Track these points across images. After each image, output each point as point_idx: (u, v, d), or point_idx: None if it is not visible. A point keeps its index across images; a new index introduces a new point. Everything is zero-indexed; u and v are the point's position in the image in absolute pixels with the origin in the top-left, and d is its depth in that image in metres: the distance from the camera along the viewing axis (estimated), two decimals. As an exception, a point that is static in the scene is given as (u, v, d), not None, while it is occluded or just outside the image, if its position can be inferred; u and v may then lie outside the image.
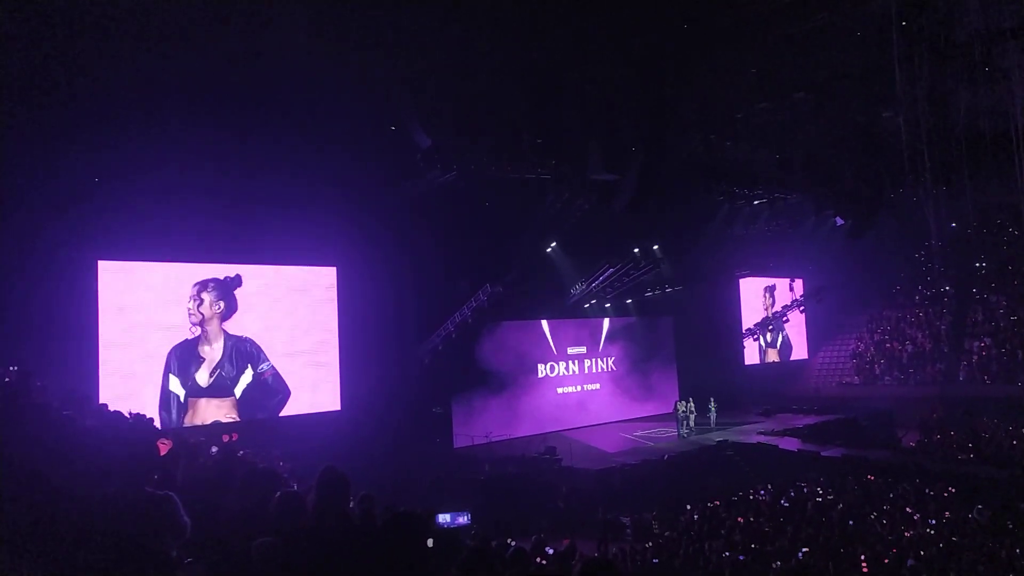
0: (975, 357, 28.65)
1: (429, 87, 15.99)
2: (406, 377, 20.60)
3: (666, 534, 13.98)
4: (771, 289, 33.09)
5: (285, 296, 18.93)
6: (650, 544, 13.23)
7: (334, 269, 19.87)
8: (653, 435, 23.97)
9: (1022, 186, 13.98)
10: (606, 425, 25.87)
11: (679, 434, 23.72)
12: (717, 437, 22.77)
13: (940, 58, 14.04)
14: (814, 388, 32.06)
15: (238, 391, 17.75)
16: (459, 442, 21.12)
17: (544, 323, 25.51)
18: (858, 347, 33.00)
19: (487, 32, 14.42)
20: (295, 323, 19.00)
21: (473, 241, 20.26)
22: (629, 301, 26.64)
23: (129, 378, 16.03)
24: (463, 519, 14.87)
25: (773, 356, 32.97)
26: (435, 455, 20.08)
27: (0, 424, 4.90)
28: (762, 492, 16.82)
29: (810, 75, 17.86)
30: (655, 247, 24.40)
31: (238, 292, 17.99)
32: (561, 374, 25.90)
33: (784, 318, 31.31)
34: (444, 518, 14.24)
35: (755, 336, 31.88)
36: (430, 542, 3.38)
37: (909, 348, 30.94)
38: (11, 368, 8.17)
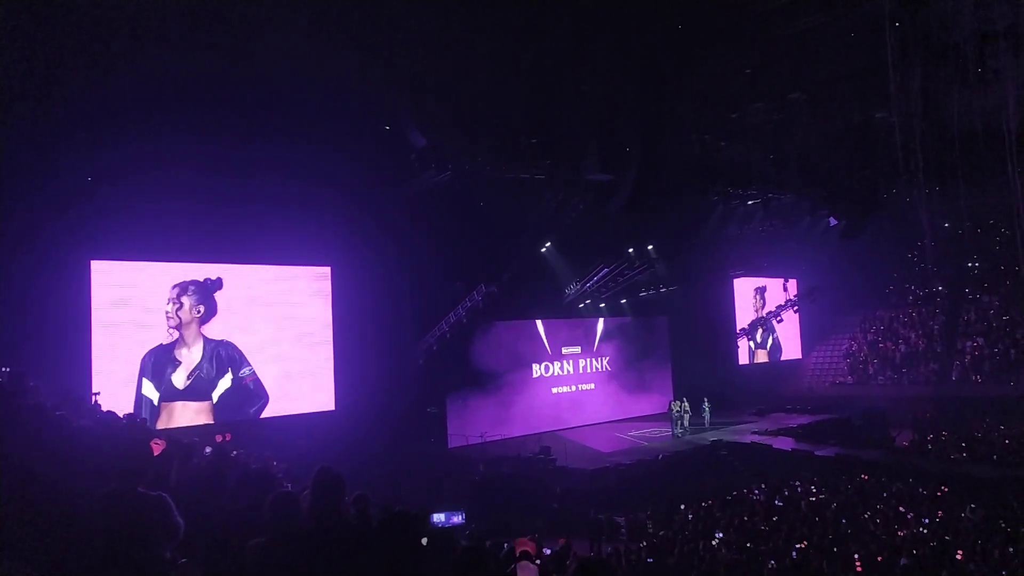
0: (968, 357, 28.78)
1: (424, 87, 15.97)
2: (401, 377, 20.58)
3: (660, 533, 14.01)
4: (761, 290, 33.15)
5: (280, 296, 18.86)
6: (644, 543, 13.25)
7: (328, 269, 19.84)
8: (647, 435, 24.01)
9: (1014, 187, 14.05)
10: (600, 425, 25.89)
11: (673, 434, 23.78)
12: (711, 437, 22.83)
13: (933, 59, 14.10)
14: (808, 388, 32.19)
15: (215, 395, 17.45)
16: (454, 442, 21.11)
17: (539, 323, 25.52)
18: (851, 347, 33.11)
19: (483, 32, 14.41)
20: (289, 322, 18.94)
21: (468, 241, 20.25)
22: (624, 301, 26.67)
23: (115, 378, 15.85)
24: (458, 519, 14.86)
25: (763, 357, 33.02)
26: (430, 455, 20.07)
27: (-7, 424, 4.87)
28: (756, 492, 16.88)
29: (805, 76, 17.91)
30: (650, 247, 24.49)
31: (231, 293, 17.91)
32: (556, 374, 25.91)
33: (778, 318, 31.39)
34: (439, 518, 14.23)
35: (749, 336, 32.01)
36: (424, 541, 3.38)
37: (902, 348, 31.07)
38: (3, 369, 8.13)
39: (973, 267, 32.52)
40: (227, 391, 17.65)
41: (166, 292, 16.98)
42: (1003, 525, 12.64)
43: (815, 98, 18.47)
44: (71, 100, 13.09)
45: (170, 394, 16.81)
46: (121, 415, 7.91)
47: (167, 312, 16.92)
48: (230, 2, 12.20)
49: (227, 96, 14.28)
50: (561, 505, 17.20)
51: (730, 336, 31.39)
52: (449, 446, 21.19)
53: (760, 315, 32.46)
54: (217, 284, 17.69)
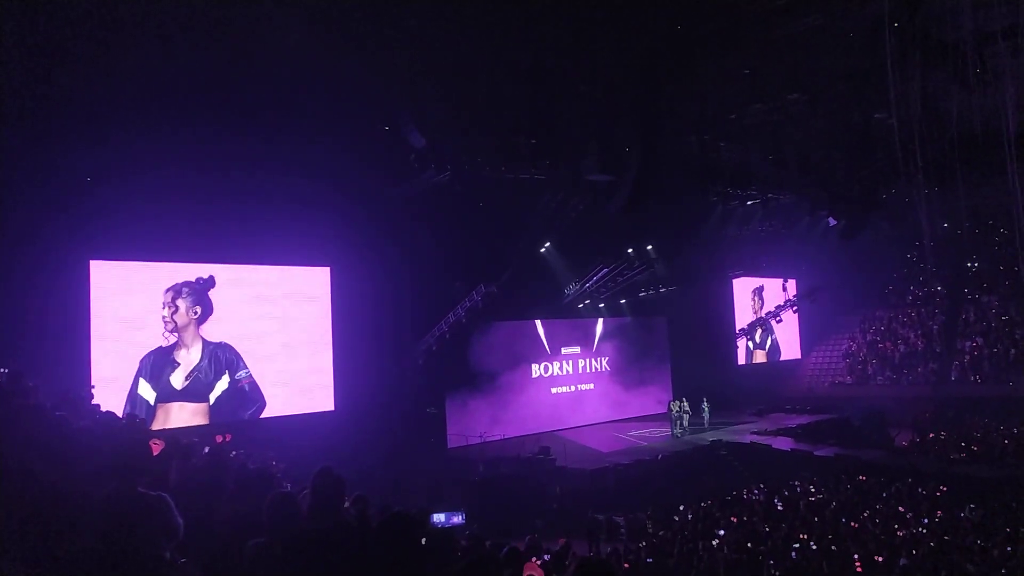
0: (967, 357, 28.80)
1: (424, 87, 15.96)
2: (400, 377, 20.60)
3: (660, 533, 14.01)
4: (759, 291, 33.16)
5: (279, 296, 18.87)
6: (644, 544, 13.25)
7: (328, 269, 19.84)
8: (647, 435, 24.02)
9: (1014, 187, 14.04)
10: (600, 425, 25.91)
11: (673, 434, 23.79)
12: (711, 437, 22.85)
13: (932, 60, 14.09)
14: (807, 388, 32.21)
15: (212, 397, 17.44)
16: (453, 442, 21.11)
17: (538, 323, 25.52)
18: (851, 347, 33.13)
19: (483, 33, 14.40)
20: (289, 323, 18.94)
21: (468, 241, 20.25)
22: (623, 301, 26.70)
23: (114, 378, 15.85)
24: (457, 519, 14.88)
25: (760, 357, 33.03)
26: (429, 455, 20.08)
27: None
28: (755, 492, 16.88)
29: (804, 76, 17.90)
30: (649, 247, 24.50)
31: (231, 294, 17.91)
32: (555, 374, 25.92)
33: (777, 318, 31.40)
34: (439, 518, 14.25)
35: (748, 336, 32.01)
36: (423, 541, 3.38)
37: (901, 348, 31.09)
38: (2, 369, 8.12)
39: (972, 267, 32.54)
40: (224, 393, 17.64)
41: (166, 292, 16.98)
42: (1003, 525, 12.66)
43: (814, 99, 18.44)
44: (71, 100, 13.08)
45: (167, 395, 16.79)
46: (120, 415, 7.91)
47: (163, 317, 16.88)
48: (230, 2, 12.19)
49: (228, 96, 14.27)
50: (560, 505, 17.20)
51: (729, 336, 31.41)
52: (448, 446, 21.19)
53: (759, 315, 32.47)
54: (210, 282, 17.65)
